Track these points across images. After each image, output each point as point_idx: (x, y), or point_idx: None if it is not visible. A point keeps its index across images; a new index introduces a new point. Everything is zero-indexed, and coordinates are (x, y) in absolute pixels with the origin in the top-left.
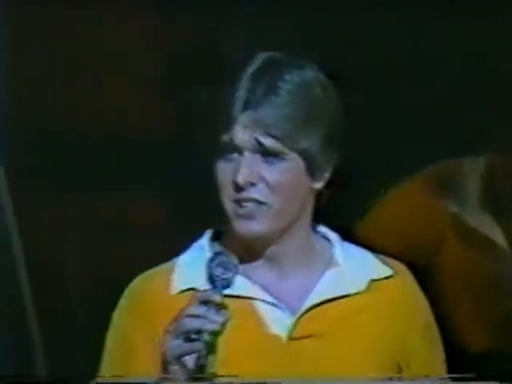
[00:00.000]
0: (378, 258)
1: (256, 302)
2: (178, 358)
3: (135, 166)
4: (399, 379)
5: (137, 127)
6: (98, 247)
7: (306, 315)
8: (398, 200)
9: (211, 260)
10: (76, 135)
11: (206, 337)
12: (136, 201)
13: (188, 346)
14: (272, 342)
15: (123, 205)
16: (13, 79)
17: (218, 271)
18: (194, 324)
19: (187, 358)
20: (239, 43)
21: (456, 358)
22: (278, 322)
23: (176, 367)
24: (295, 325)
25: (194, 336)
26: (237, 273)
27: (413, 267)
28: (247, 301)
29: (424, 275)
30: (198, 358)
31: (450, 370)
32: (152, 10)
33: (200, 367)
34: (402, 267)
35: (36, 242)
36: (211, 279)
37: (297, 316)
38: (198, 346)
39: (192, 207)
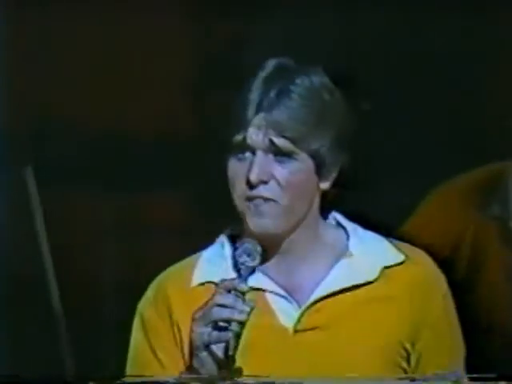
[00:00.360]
0: (392, 244)
1: (268, 294)
2: (207, 345)
3: (160, 167)
4: (420, 379)
5: (154, 128)
6: (126, 246)
7: (313, 307)
8: (437, 202)
9: (236, 248)
10: (95, 136)
11: (234, 326)
12: (159, 201)
13: (217, 334)
14: (279, 332)
15: (147, 205)
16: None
17: (243, 258)
18: (223, 313)
19: (215, 346)
20: (262, 46)
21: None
22: (286, 314)
23: (204, 354)
24: (301, 317)
25: (222, 324)
26: (261, 260)
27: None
28: (260, 293)
29: (468, 279)
30: (227, 347)
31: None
32: (177, 12)
33: (228, 356)
34: (417, 252)
35: (64, 241)
36: (236, 266)
37: (303, 308)
38: (226, 335)
39: (213, 207)
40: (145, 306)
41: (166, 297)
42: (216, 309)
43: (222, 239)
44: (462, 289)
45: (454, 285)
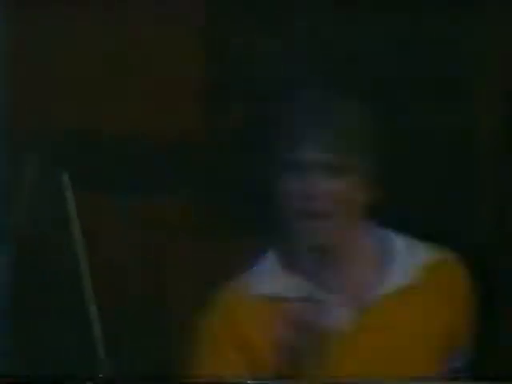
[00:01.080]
0: (429, 247)
1: (324, 301)
2: (291, 348)
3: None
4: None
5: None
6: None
7: (366, 310)
8: None
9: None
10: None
11: (318, 327)
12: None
13: (300, 338)
14: (334, 335)
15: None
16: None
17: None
18: (308, 317)
19: (299, 348)
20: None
21: None
22: (341, 317)
23: (287, 354)
24: (356, 319)
25: (305, 330)
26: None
27: None
28: (317, 299)
29: None
30: (311, 350)
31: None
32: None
33: (312, 359)
34: (445, 251)
35: (99, 244)
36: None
37: (357, 311)
38: (312, 335)
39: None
40: (211, 321)
41: (228, 309)
42: (299, 315)
43: (271, 255)
44: None
45: None
